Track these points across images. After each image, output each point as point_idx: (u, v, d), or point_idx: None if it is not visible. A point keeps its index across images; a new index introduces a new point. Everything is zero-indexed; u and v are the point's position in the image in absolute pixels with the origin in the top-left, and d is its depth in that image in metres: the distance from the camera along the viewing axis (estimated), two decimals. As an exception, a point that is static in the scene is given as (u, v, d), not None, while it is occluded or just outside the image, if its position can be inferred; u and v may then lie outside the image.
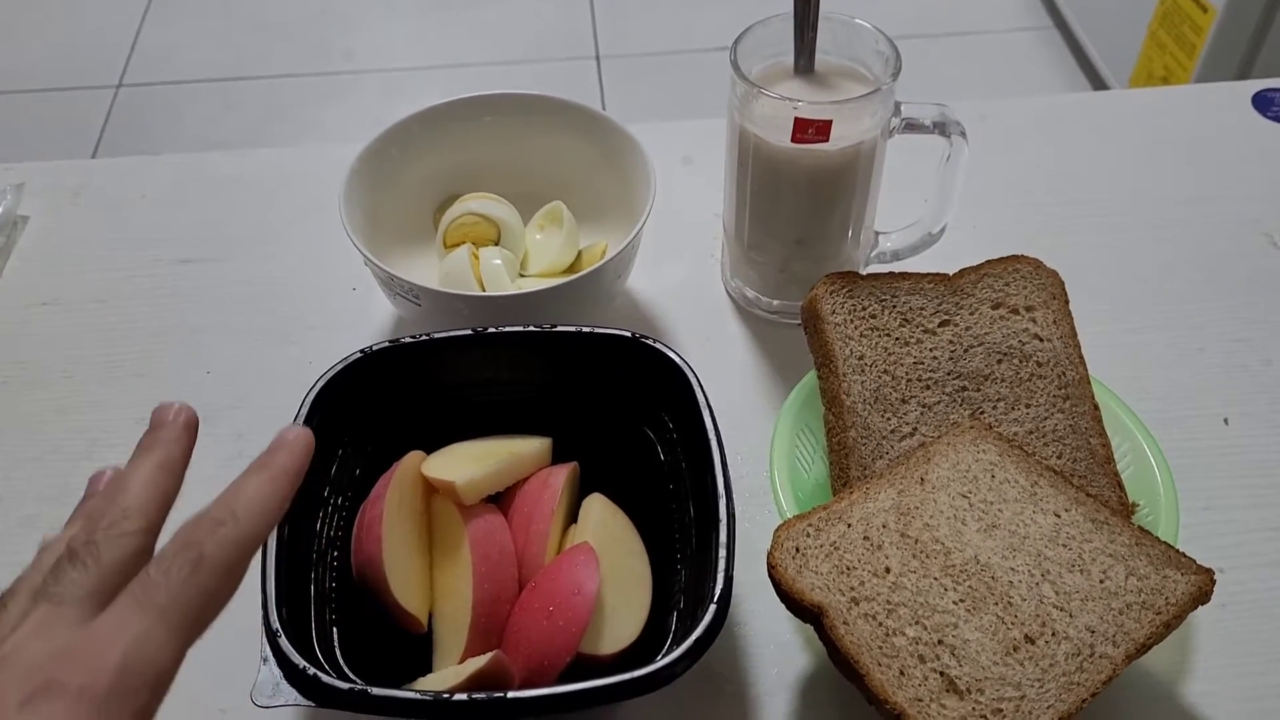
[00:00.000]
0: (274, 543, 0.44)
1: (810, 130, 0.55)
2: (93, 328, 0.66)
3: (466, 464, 0.50)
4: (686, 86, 1.87)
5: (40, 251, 0.71)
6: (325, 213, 0.62)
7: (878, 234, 0.64)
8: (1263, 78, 1.40)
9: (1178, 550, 0.46)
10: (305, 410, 0.49)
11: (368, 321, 0.66)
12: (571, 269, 0.64)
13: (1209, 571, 0.45)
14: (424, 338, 0.52)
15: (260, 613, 0.42)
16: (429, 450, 0.52)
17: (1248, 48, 1.46)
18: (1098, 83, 1.85)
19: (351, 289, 0.67)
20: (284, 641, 0.41)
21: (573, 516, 0.51)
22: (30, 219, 0.72)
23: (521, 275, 0.64)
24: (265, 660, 0.41)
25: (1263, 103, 0.79)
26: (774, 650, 0.50)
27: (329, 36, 2.03)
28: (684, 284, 0.68)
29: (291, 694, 0.40)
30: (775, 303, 0.65)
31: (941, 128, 0.58)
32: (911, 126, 0.58)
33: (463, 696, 0.39)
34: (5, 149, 1.74)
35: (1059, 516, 0.47)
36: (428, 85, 1.89)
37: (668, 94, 1.88)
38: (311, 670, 0.40)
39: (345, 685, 0.39)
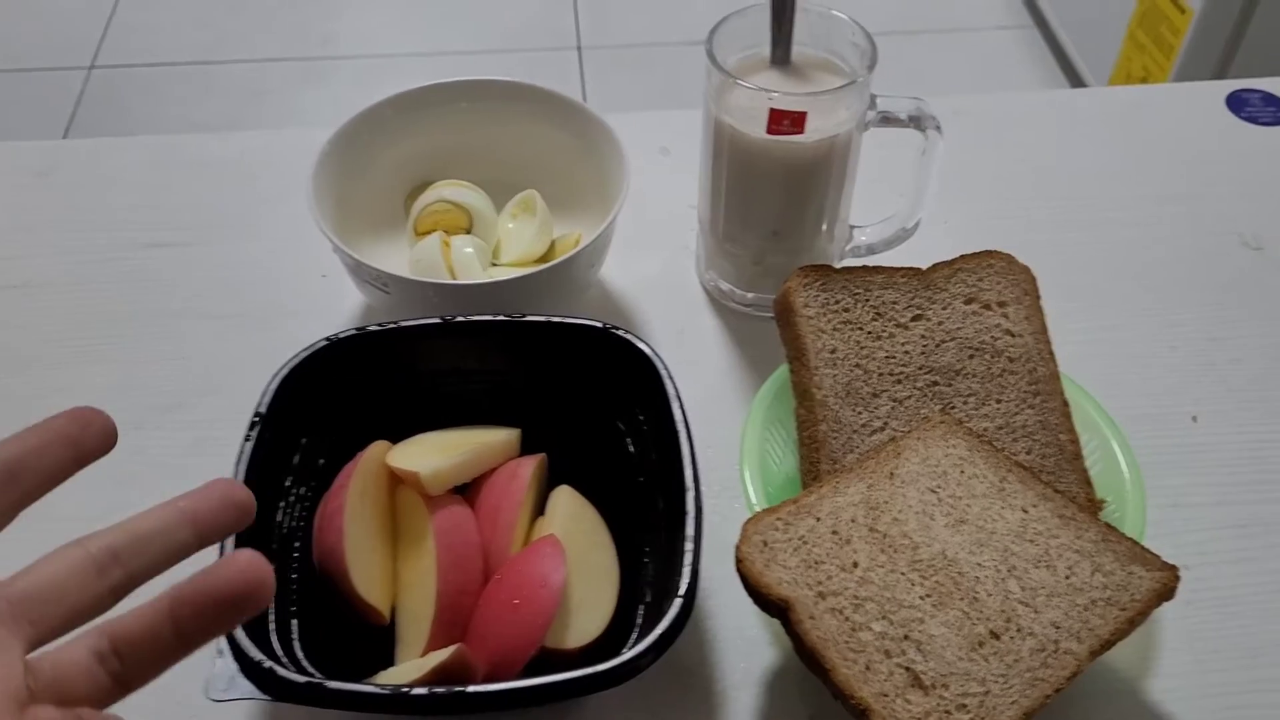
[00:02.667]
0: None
1: (785, 122, 0.55)
2: (63, 311, 0.65)
3: (432, 454, 0.49)
4: (668, 78, 1.86)
5: (9, 233, 0.69)
6: (299, 197, 0.61)
7: (853, 228, 0.64)
8: (1239, 78, 1.40)
9: (1143, 547, 0.46)
10: (267, 399, 0.48)
11: (339, 309, 0.65)
12: (545, 258, 0.64)
13: (1173, 568, 0.45)
14: (390, 326, 0.51)
15: (219, 603, 0.41)
16: (396, 440, 0.51)
17: (1224, 49, 1.47)
18: (1077, 82, 1.86)
19: (322, 276, 0.67)
20: (239, 633, 0.40)
21: (541, 508, 0.51)
22: (-4, 200, 0.71)
23: (494, 264, 0.64)
24: (220, 653, 0.40)
25: (1237, 103, 0.79)
26: (742, 644, 0.50)
27: (308, 21, 2.02)
28: (659, 276, 0.68)
29: (247, 687, 0.39)
30: (749, 295, 0.64)
31: (917, 122, 0.58)
32: (887, 120, 0.58)
33: (422, 690, 0.39)
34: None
35: (1026, 512, 0.47)
36: (408, 72, 1.87)
37: (649, 86, 1.87)
38: (267, 663, 0.39)
39: (301, 679, 0.39)
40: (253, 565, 0.29)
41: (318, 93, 1.87)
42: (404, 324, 0.52)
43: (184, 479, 0.57)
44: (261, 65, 1.93)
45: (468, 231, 0.63)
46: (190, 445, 0.58)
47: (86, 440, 0.31)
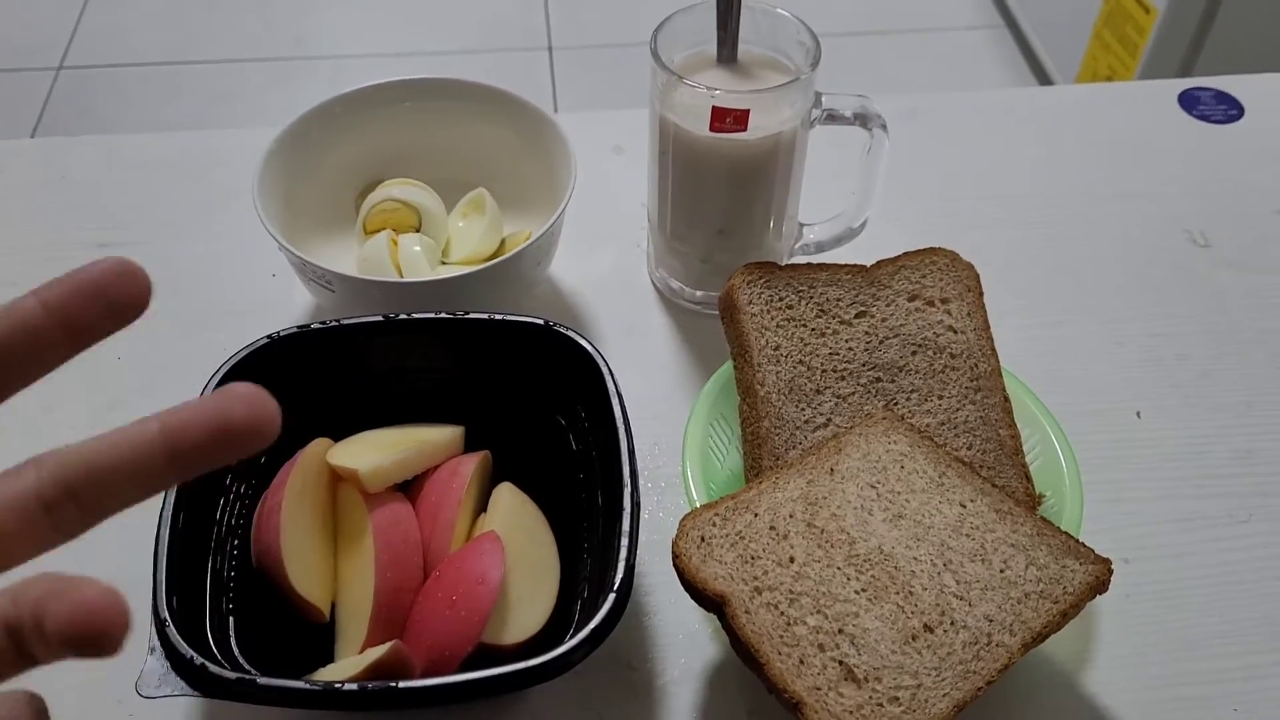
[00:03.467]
0: (167, 531, 0.43)
1: (728, 119, 0.55)
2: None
3: (372, 452, 0.49)
4: (638, 78, 1.86)
5: (-47, 234, 0.69)
6: (245, 196, 0.61)
7: (802, 225, 0.64)
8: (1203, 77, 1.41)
9: (1077, 540, 0.46)
10: (207, 396, 0.48)
11: (287, 308, 0.65)
12: (494, 257, 0.64)
13: (1106, 561, 0.45)
14: (333, 324, 0.51)
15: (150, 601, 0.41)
16: (338, 438, 0.51)
17: (1188, 48, 1.48)
18: (1045, 81, 1.87)
19: (271, 275, 0.66)
20: (171, 630, 0.40)
21: (483, 505, 0.51)
22: (-57, 200, 0.71)
23: (444, 262, 0.63)
24: (153, 650, 0.40)
25: (1189, 101, 0.80)
26: (683, 639, 0.50)
27: (279, 21, 2.01)
28: (610, 273, 0.68)
29: (179, 684, 0.39)
30: (698, 293, 0.65)
31: (862, 120, 0.58)
32: (832, 118, 0.58)
33: (352, 687, 0.39)
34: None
35: (964, 507, 0.47)
36: (378, 73, 1.87)
37: (619, 85, 1.87)
38: (199, 660, 0.39)
39: (232, 675, 0.39)
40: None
41: (288, 93, 1.86)
42: (346, 322, 0.51)
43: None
44: (232, 66, 1.92)
45: (417, 230, 0.63)
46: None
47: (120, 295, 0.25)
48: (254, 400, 0.25)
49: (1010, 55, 1.96)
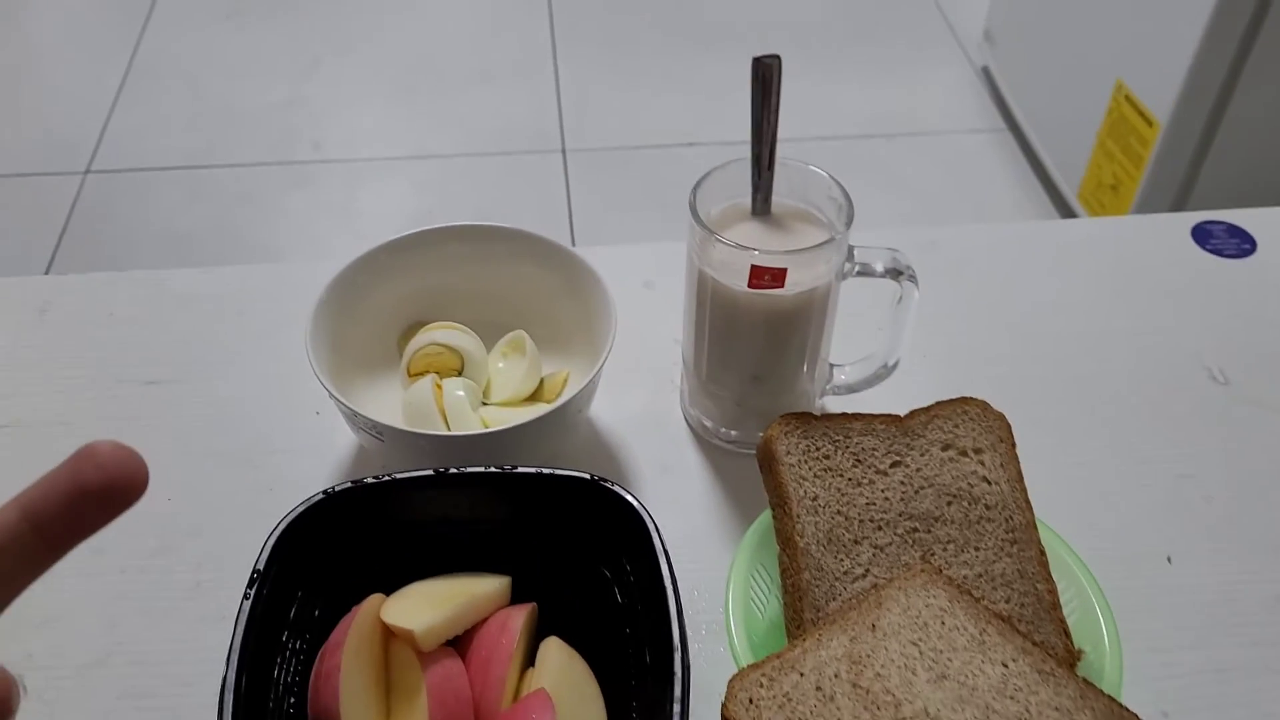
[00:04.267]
0: (230, 697, 0.44)
1: (766, 277, 0.57)
2: (50, 451, 0.65)
3: (425, 609, 0.50)
4: (647, 179, 1.91)
5: (5, 371, 0.71)
6: (289, 332, 0.63)
7: (833, 366, 0.66)
8: (1207, 191, 1.44)
9: (1120, 704, 0.47)
10: (266, 555, 0.49)
11: (331, 446, 0.66)
12: (534, 397, 0.66)
13: (1150, 727, 0.46)
14: (386, 478, 0.53)
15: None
16: (388, 588, 0.52)
17: (1191, 162, 1.52)
18: (1049, 186, 1.91)
19: (315, 413, 0.68)
20: (238, 804, 0.41)
21: (530, 658, 0.52)
22: (-6, 336, 0.73)
23: (484, 403, 0.65)
24: (218, 822, 0.41)
25: (1202, 235, 0.83)
26: (728, 796, 0.51)
27: (298, 126, 2.06)
28: (644, 411, 0.69)
29: None
30: (733, 433, 0.66)
31: (893, 273, 0.60)
32: (864, 272, 0.60)
33: None
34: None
35: (1007, 667, 0.48)
36: (394, 176, 1.91)
37: (630, 186, 1.92)
38: (264, 834, 0.40)
39: None
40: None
41: (304, 197, 1.90)
42: (399, 476, 0.53)
43: (174, 623, 0.58)
44: (249, 170, 1.96)
45: (459, 373, 0.64)
46: (181, 588, 0.59)
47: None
48: (109, 459, 0.24)
49: (1014, 157, 2.01)
